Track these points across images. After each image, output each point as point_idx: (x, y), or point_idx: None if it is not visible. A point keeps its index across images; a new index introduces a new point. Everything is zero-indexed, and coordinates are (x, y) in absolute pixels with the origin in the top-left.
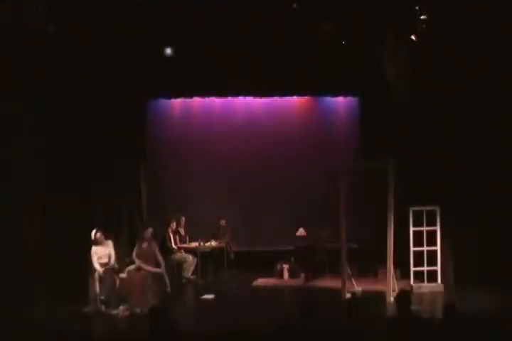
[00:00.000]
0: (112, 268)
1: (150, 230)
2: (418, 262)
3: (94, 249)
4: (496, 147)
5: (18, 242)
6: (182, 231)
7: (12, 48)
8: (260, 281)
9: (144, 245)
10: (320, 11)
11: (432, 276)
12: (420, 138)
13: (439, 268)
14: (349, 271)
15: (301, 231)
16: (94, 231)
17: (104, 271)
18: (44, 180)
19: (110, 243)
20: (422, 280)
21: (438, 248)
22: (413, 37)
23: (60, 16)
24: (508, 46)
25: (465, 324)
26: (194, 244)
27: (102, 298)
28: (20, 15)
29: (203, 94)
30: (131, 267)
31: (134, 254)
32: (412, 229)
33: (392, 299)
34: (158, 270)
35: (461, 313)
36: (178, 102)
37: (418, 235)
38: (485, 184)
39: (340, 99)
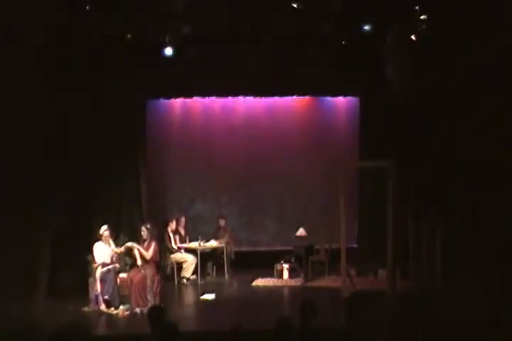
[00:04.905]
0: (114, 268)
1: (142, 228)
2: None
3: (98, 246)
4: (496, 147)
5: (18, 242)
6: (182, 231)
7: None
8: (260, 281)
9: (144, 245)
10: (320, 10)
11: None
12: (420, 138)
13: (438, 268)
14: (349, 271)
15: (301, 231)
16: (104, 228)
17: (106, 271)
18: (45, 180)
19: (112, 243)
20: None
21: (437, 248)
22: (413, 37)
23: (63, 13)
24: (508, 45)
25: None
26: (194, 244)
27: (106, 297)
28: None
29: (203, 94)
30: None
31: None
32: (411, 228)
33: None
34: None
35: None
36: (178, 102)
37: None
38: (484, 184)
39: (340, 99)
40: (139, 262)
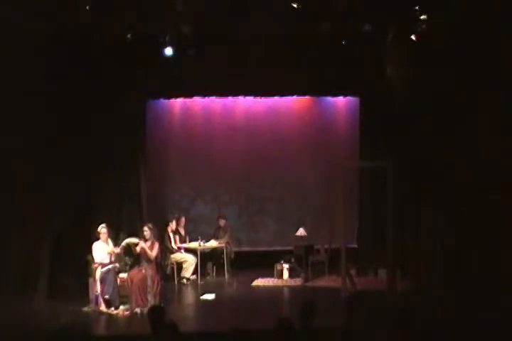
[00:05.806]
0: (114, 268)
1: (145, 228)
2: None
3: (97, 245)
4: (495, 147)
5: (18, 242)
6: (182, 231)
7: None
8: (260, 281)
9: (148, 244)
10: (320, 10)
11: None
12: (420, 138)
13: (438, 268)
14: (349, 271)
15: (301, 231)
16: (102, 226)
17: (106, 271)
18: (45, 180)
19: (110, 242)
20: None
21: (437, 248)
22: (413, 37)
23: (63, 13)
24: (508, 45)
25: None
26: (194, 244)
27: (106, 297)
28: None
29: (203, 94)
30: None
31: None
32: (411, 228)
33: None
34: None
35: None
36: (178, 102)
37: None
38: (484, 184)
39: (340, 99)
40: (151, 255)
